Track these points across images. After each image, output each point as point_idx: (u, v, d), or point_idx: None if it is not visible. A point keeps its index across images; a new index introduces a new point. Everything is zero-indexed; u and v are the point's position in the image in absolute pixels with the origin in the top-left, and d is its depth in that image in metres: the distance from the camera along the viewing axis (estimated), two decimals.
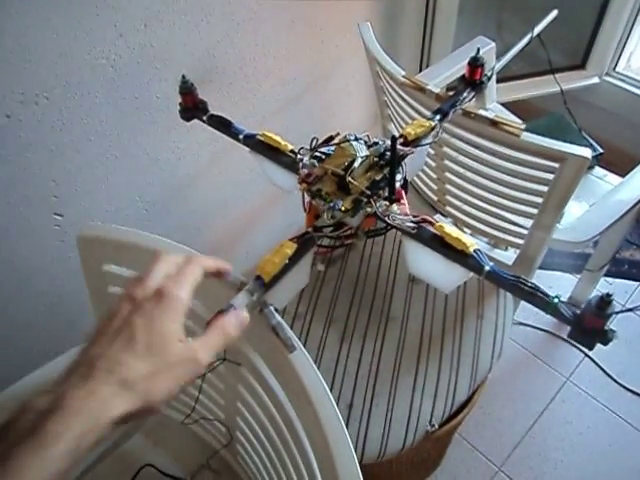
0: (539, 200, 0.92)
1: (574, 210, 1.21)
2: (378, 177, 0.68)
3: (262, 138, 0.80)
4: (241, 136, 0.82)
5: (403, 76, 0.96)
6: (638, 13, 1.68)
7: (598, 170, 1.36)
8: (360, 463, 0.84)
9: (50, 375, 0.86)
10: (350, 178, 0.66)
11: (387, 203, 0.67)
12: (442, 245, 0.61)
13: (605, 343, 0.53)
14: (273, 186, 0.83)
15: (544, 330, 1.57)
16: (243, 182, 1.33)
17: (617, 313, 1.59)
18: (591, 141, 1.39)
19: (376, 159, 0.69)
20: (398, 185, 0.71)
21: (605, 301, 0.52)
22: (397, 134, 0.80)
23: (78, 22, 0.84)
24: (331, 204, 0.66)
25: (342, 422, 0.59)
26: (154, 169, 1.11)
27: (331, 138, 0.72)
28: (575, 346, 1.53)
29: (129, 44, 0.92)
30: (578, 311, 0.54)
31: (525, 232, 1.00)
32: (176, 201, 1.20)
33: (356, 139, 0.70)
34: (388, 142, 0.71)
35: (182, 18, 0.98)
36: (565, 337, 1.55)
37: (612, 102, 1.82)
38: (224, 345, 0.45)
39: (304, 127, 1.40)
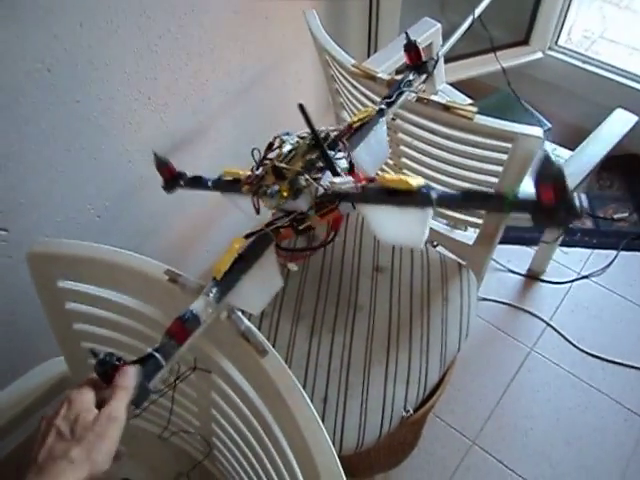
0: (495, 180, 0.94)
1: (527, 186, 1.24)
2: (314, 156, 0.67)
3: (225, 176, 0.79)
4: (210, 183, 0.83)
5: (353, 65, 0.95)
6: None
7: (548, 144, 1.39)
8: (338, 455, 0.85)
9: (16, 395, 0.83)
10: (280, 163, 0.66)
11: (329, 177, 0.65)
12: (390, 194, 0.57)
13: (576, 214, 0.45)
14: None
15: (506, 303, 1.61)
16: None
17: (574, 281, 1.65)
18: (539, 116, 1.42)
19: (311, 142, 0.68)
20: (345, 164, 0.69)
21: (546, 162, 0.45)
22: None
23: (7, 26, 0.79)
24: (269, 191, 0.65)
25: (319, 421, 0.59)
26: (103, 174, 1.06)
27: (271, 145, 0.72)
28: (537, 316, 1.58)
29: (65, 46, 0.88)
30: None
31: (483, 212, 1.02)
32: (130, 205, 1.16)
33: (287, 134, 0.70)
34: (326, 128, 0.71)
35: (119, 14, 0.93)
36: (526, 308, 1.59)
37: (556, 75, 1.86)
38: (129, 397, 0.53)
39: (256, 119, 1.38)
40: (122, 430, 0.51)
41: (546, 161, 0.45)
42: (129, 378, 0.53)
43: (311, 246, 1.05)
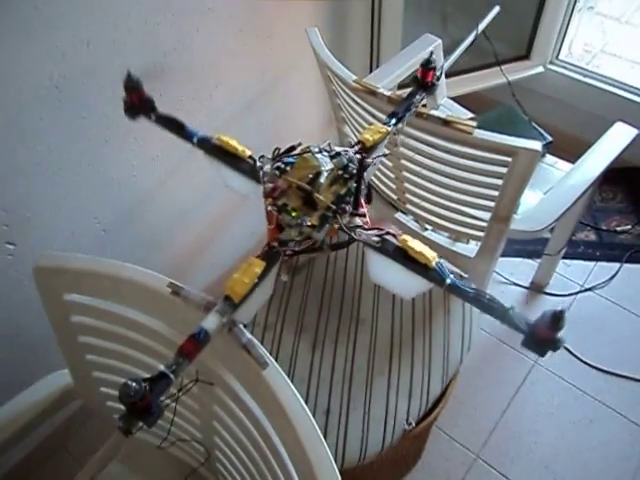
0: (495, 193, 0.95)
1: (529, 199, 1.25)
2: (343, 191, 0.67)
3: (218, 142, 0.77)
4: (195, 139, 0.79)
5: (354, 80, 0.96)
6: (576, 1, 1.73)
7: (549, 158, 1.39)
8: (341, 468, 0.85)
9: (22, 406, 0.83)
10: (317, 194, 0.66)
11: (352, 217, 0.67)
12: (405, 258, 0.62)
13: (555, 350, 0.56)
14: (232, 195, 0.81)
15: None
16: (201, 194, 1.31)
17: (576, 294, 1.65)
18: (540, 130, 1.43)
19: (340, 172, 0.69)
20: (364, 197, 0.71)
21: (558, 317, 0.54)
22: (352, 137, 0.81)
23: (16, 45, 0.81)
24: (299, 220, 0.65)
25: (320, 434, 0.59)
26: (109, 188, 1.08)
27: (293, 148, 0.71)
28: None
29: (72, 64, 0.90)
30: (531, 322, 0.57)
31: (484, 225, 1.02)
32: (135, 219, 1.18)
33: (320, 151, 0.69)
34: (350, 152, 0.71)
35: (126, 34, 0.95)
36: None
37: (557, 89, 1.88)
38: None
39: (258, 133, 1.39)
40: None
41: (561, 315, 0.53)
42: None
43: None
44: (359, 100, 1.01)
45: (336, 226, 0.66)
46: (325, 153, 0.70)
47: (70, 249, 1.05)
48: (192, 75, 1.12)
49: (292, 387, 0.62)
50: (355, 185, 0.67)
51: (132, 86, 0.83)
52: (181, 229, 1.34)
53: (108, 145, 1.03)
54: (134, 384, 0.52)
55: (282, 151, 0.71)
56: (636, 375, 1.46)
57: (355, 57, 1.62)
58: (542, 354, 0.57)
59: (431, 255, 0.60)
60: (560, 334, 0.55)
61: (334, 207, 0.66)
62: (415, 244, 0.61)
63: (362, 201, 0.69)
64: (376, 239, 0.63)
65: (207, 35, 1.10)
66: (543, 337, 0.55)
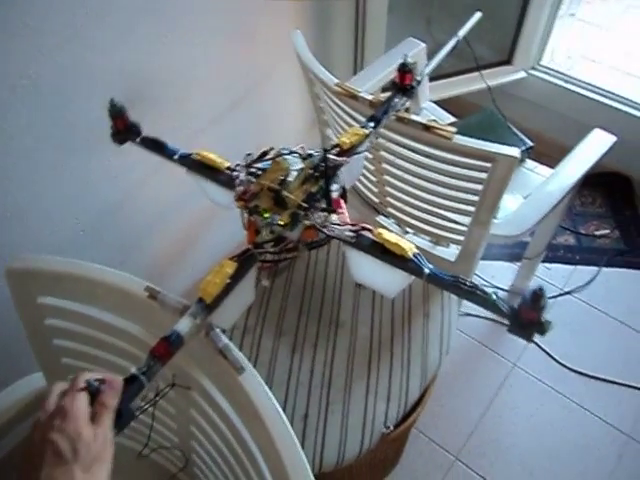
0: (475, 198, 0.95)
1: (509, 203, 1.26)
2: (314, 189, 0.68)
3: (198, 157, 0.78)
4: (176, 156, 0.80)
5: (336, 84, 0.96)
6: (558, 8, 1.75)
7: (529, 162, 1.41)
8: (319, 472, 0.85)
9: None
10: (286, 192, 0.66)
11: (325, 214, 0.67)
12: (382, 251, 0.61)
13: (542, 333, 0.55)
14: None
15: (489, 319, 1.63)
16: (181, 196, 1.30)
17: (556, 297, 1.67)
18: (521, 135, 1.45)
19: (311, 171, 0.69)
20: (336, 195, 0.71)
21: (538, 294, 0.53)
22: (334, 140, 0.81)
23: None
24: (269, 220, 0.66)
25: (295, 439, 0.59)
26: (89, 189, 1.07)
27: (265, 153, 0.72)
28: None
29: (52, 62, 0.88)
30: (515, 306, 0.56)
31: (464, 229, 1.03)
32: (114, 220, 1.16)
33: (290, 152, 0.70)
34: (322, 153, 0.71)
35: (106, 33, 0.94)
36: None
37: (539, 95, 1.90)
38: (113, 411, 0.50)
39: (240, 136, 1.39)
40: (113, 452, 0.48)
41: (540, 293, 0.53)
42: (117, 396, 0.51)
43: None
44: (341, 104, 1.01)
45: (307, 222, 0.66)
46: (296, 155, 0.70)
47: (48, 249, 1.04)
48: (174, 74, 1.11)
49: (269, 392, 0.62)
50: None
51: (116, 113, 0.85)
52: (161, 231, 1.32)
53: (88, 144, 1.02)
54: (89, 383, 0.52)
55: (255, 157, 0.71)
56: (613, 378, 1.49)
57: (339, 59, 1.62)
58: (529, 338, 0.56)
59: (407, 246, 0.60)
60: (544, 315, 0.54)
61: (304, 205, 0.66)
62: (391, 237, 0.60)
63: (341, 201, 0.69)
64: (351, 234, 0.63)
65: (189, 34, 1.09)
66: (527, 319, 0.54)
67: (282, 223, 0.65)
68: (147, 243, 1.29)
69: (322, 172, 0.68)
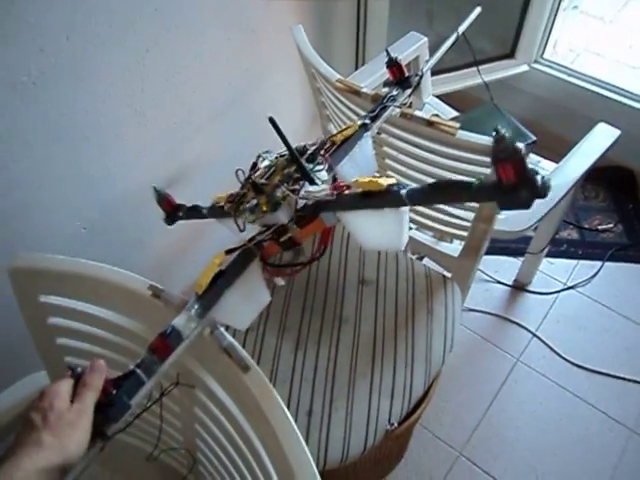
0: None
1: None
2: (292, 169, 0.68)
3: (218, 203, 0.81)
4: (205, 212, 0.86)
5: (337, 80, 0.96)
6: (561, 0, 1.74)
7: (533, 157, 1.40)
8: (324, 469, 0.85)
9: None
10: (258, 178, 0.67)
11: (302, 183, 0.66)
12: (364, 197, 0.58)
13: (540, 193, 0.43)
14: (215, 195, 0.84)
15: (493, 314, 1.62)
16: (183, 193, 1.30)
17: (559, 292, 1.66)
18: (524, 129, 1.44)
19: (289, 157, 0.69)
20: (326, 176, 0.69)
21: (497, 140, 0.44)
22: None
23: None
24: (247, 205, 0.67)
25: (300, 437, 0.59)
26: (89, 186, 1.06)
27: (254, 164, 0.73)
28: (523, 327, 1.59)
29: (51, 59, 0.88)
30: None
31: (468, 224, 1.02)
32: (116, 216, 1.16)
33: (267, 152, 0.73)
34: (305, 143, 0.72)
35: (107, 29, 0.94)
36: (513, 319, 1.60)
37: (542, 88, 1.89)
38: (97, 393, 0.55)
39: (242, 131, 1.38)
40: (91, 422, 0.52)
41: (502, 139, 0.43)
42: (98, 377, 0.55)
43: (299, 261, 1.05)
44: (343, 99, 1.01)
45: (289, 199, 0.65)
46: (273, 153, 0.73)
47: (50, 247, 1.03)
48: (175, 69, 1.10)
49: (273, 390, 0.61)
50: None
51: (161, 198, 0.95)
52: (163, 229, 1.32)
53: (89, 142, 1.01)
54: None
55: (247, 174, 0.72)
56: (617, 372, 1.48)
57: (341, 54, 1.61)
58: (527, 204, 0.45)
59: (381, 180, 0.55)
60: (529, 168, 0.43)
61: (279, 183, 0.66)
62: (365, 179, 0.57)
63: (322, 182, 0.68)
64: (330, 192, 0.61)
65: (190, 29, 1.09)
66: (507, 177, 0.44)
67: (263, 206, 0.66)
68: (149, 240, 1.29)
69: (293, 157, 0.67)
